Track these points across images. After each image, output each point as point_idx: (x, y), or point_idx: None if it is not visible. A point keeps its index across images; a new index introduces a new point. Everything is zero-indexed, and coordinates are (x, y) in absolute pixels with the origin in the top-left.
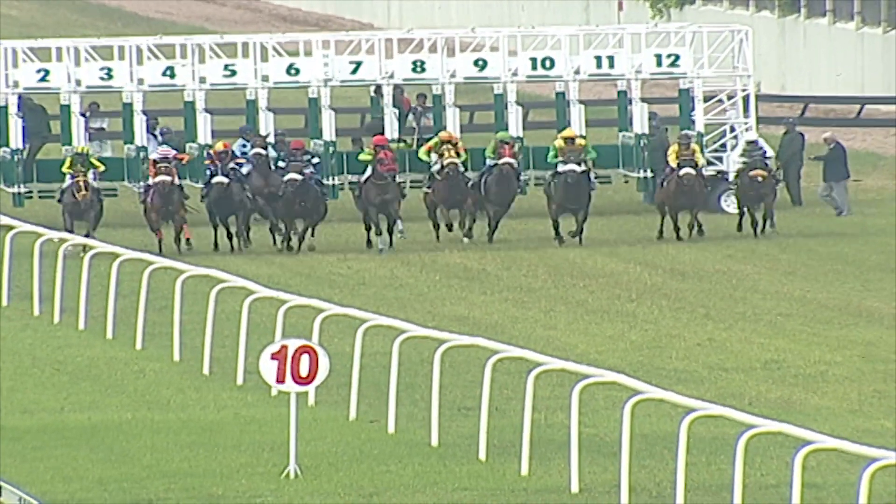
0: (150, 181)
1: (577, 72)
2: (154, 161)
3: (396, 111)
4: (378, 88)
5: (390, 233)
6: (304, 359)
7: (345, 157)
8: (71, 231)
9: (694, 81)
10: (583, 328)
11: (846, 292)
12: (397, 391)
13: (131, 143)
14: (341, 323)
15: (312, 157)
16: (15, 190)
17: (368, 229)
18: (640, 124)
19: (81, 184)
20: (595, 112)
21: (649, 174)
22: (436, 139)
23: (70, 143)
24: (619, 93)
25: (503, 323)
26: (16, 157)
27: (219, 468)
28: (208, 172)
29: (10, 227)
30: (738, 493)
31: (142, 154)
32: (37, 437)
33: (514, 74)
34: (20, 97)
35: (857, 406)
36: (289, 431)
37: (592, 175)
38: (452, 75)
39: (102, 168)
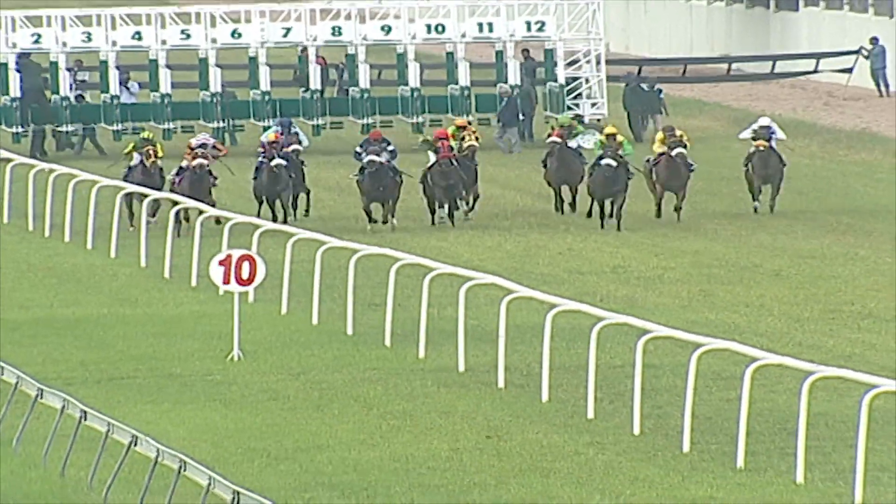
0: (184, 163)
1: (463, 35)
2: (191, 146)
3: (319, 67)
4: (304, 49)
5: (451, 214)
6: (246, 265)
7: (278, 103)
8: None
9: (556, 43)
10: (467, 240)
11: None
12: (320, 290)
13: (106, 92)
14: (275, 236)
15: (389, 144)
16: (14, 130)
17: (433, 211)
18: (514, 77)
19: (150, 151)
20: (477, 68)
21: (521, 117)
22: (453, 127)
23: (58, 92)
24: (496, 52)
25: (403, 237)
26: (14, 104)
27: (177, 353)
28: (260, 160)
29: (10, 160)
30: (591, 372)
31: (115, 101)
32: (31, 328)
33: (413, 38)
34: (18, 56)
35: (686, 302)
36: (233, 323)
37: (631, 168)
38: (364, 38)
39: (161, 155)
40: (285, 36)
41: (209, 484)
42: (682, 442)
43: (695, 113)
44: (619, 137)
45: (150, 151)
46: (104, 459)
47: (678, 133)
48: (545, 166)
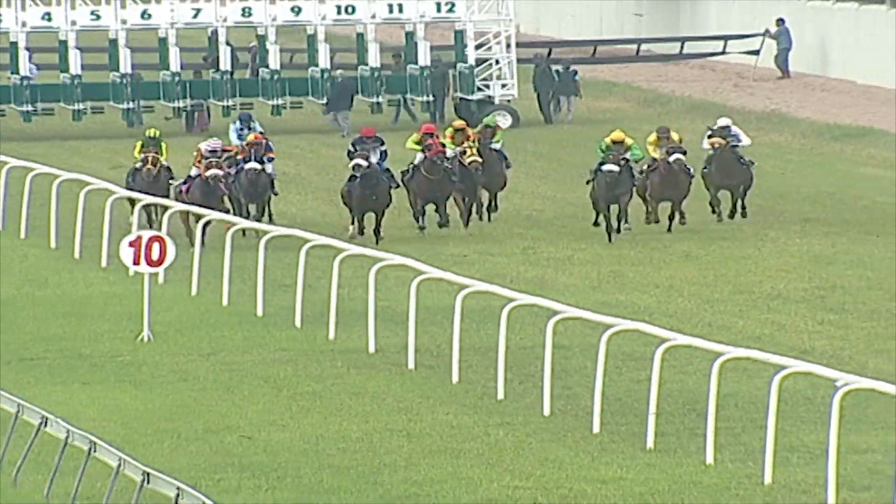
0: (193, 172)
1: (373, 17)
2: (201, 153)
3: (230, 48)
4: (215, 31)
5: (442, 219)
6: (156, 246)
7: (188, 84)
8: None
9: (467, 24)
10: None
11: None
12: (230, 271)
13: (16, 73)
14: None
15: (382, 143)
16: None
17: (417, 216)
18: (424, 59)
19: (150, 158)
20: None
21: (431, 98)
22: (451, 128)
23: (17, 72)
24: (406, 34)
25: (315, 218)
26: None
27: (87, 333)
28: (240, 161)
29: None
30: (501, 353)
31: (25, 82)
32: None
33: (323, 19)
34: None
35: (596, 283)
36: (143, 304)
37: (635, 171)
38: (274, 20)
39: (165, 157)
40: (195, 17)
41: (119, 465)
42: (592, 422)
43: (605, 94)
44: (628, 141)
45: (151, 158)
46: (13, 440)
47: (674, 136)
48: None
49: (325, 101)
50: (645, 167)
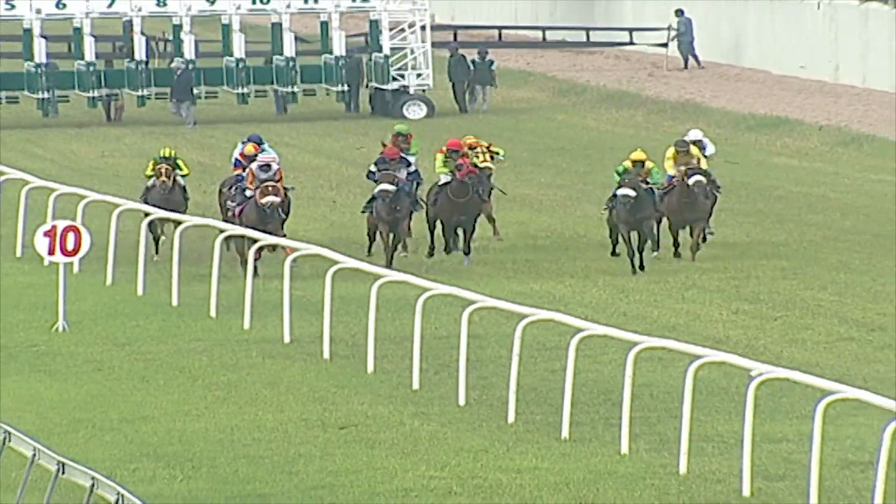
0: (248, 192)
1: (288, 6)
2: (253, 173)
3: (144, 38)
4: (129, 20)
5: (468, 244)
6: (71, 236)
7: (103, 74)
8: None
9: (382, 13)
10: (292, 210)
11: (503, 182)
12: (145, 261)
13: None
14: (100, 207)
15: (409, 164)
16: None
17: (447, 239)
18: (339, 48)
19: (164, 170)
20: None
21: (346, 88)
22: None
23: None
24: (321, 23)
25: None
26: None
27: (1, 323)
28: (240, 178)
29: None
30: (417, 342)
31: None
32: None
33: (238, 8)
34: None
35: (512, 273)
36: (58, 294)
37: (656, 197)
38: (188, 9)
39: (187, 172)
40: (110, 6)
41: (34, 455)
42: (508, 412)
43: (520, 84)
44: (649, 164)
45: (162, 170)
46: None
47: (693, 150)
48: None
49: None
50: (661, 189)
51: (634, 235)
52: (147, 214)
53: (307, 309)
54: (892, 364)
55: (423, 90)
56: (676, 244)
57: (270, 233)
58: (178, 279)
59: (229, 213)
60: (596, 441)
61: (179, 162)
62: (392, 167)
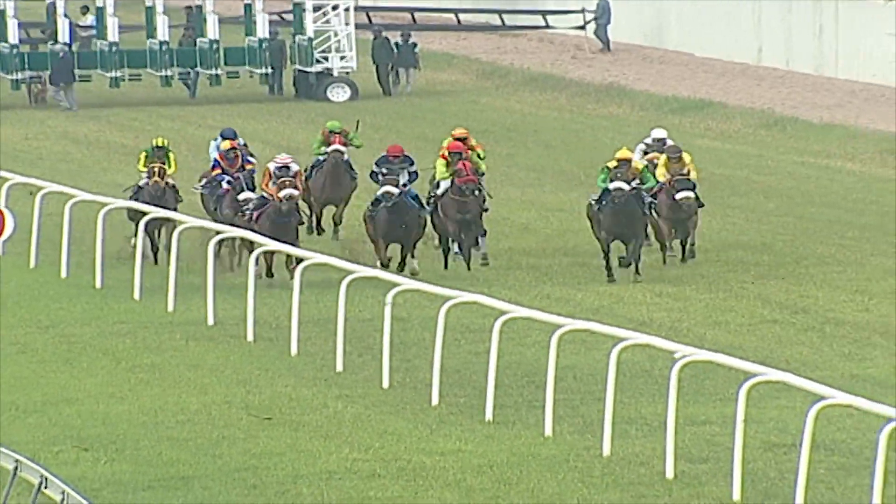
0: (264, 192)
1: None
2: (270, 172)
3: (68, 21)
4: (53, 3)
5: (468, 254)
6: None
7: (26, 56)
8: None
9: None
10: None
11: (427, 164)
12: (69, 244)
13: None
14: (22, 190)
15: (412, 164)
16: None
17: (446, 251)
18: (263, 31)
19: (156, 169)
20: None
21: (269, 70)
22: (450, 139)
23: None
24: (245, 5)
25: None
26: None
27: None
28: (220, 179)
29: None
30: (340, 325)
31: None
32: None
33: None
34: None
35: (435, 255)
36: None
37: (646, 199)
38: None
39: (174, 169)
40: None
41: None
42: (431, 395)
43: (444, 66)
44: (637, 164)
45: (156, 169)
46: None
47: (685, 157)
48: (308, 178)
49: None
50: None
51: (626, 244)
52: (139, 213)
53: (231, 291)
54: (816, 346)
55: (347, 73)
56: (664, 249)
57: (289, 243)
58: (101, 262)
59: (246, 220)
60: (519, 423)
61: (170, 156)
62: (395, 166)
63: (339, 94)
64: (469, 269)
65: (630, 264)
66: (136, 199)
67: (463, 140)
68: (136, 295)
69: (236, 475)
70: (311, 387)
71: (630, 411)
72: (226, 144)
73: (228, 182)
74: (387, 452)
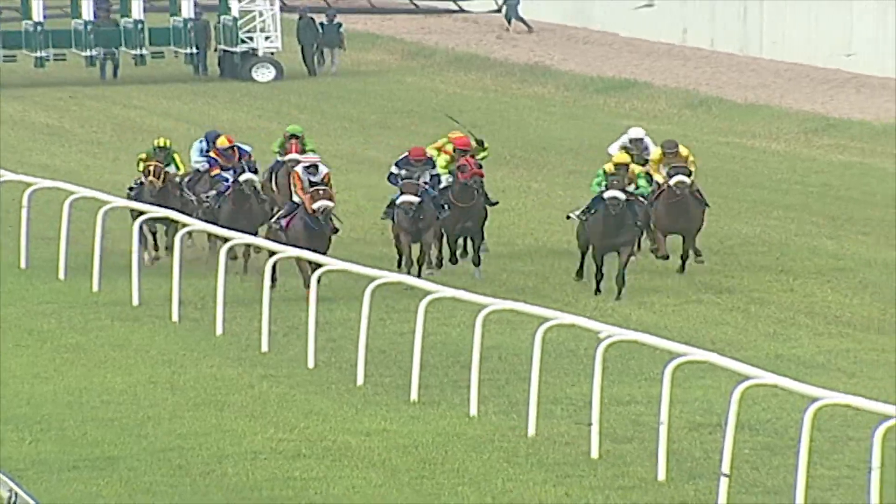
0: (295, 197)
1: None
2: (298, 176)
3: None
4: None
5: (477, 252)
6: None
7: None
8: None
9: None
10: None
11: (352, 144)
12: None
13: None
14: None
15: (433, 166)
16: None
17: (452, 251)
18: (188, 10)
19: (152, 168)
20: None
21: (194, 50)
22: (444, 139)
23: None
24: None
25: (78, 170)
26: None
27: None
28: (220, 178)
29: None
30: (266, 305)
31: None
32: None
33: None
34: None
35: (362, 235)
36: None
37: (640, 210)
38: None
39: (182, 169)
40: None
41: None
42: (357, 375)
43: (369, 46)
44: (634, 168)
45: (153, 169)
46: None
47: (682, 151)
48: (269, 180)
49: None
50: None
51: (616, 257)
52: (138, 213)
53: (156, 271)
54: (740, 327)
55: (272, 53)
56: (662, 249)
57: (321, 253)
58: (26, 241)
59: (275, 230)
60: (445, 403)
61: (175, 156)
62: (417, 169)
63: (263, 74)
64: (478, 265)
65: (620, 280)
66: (136, 200)
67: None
68: (62, 274)
69: (161, 455)
70: (236, 367)
71: (555, 391)
72: (223, 141)
73: (227, 179)
74: (312, 432)
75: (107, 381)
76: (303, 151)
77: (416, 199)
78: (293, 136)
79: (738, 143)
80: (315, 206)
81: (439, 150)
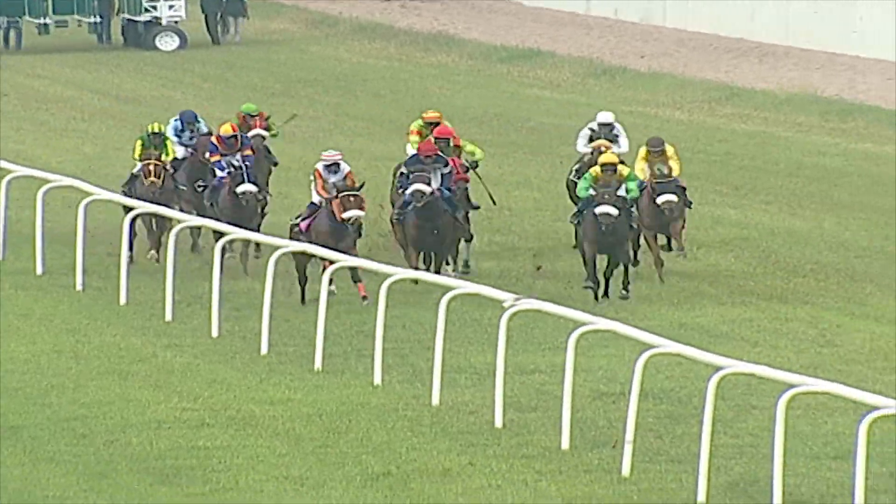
0: (316, 198)
1: None
2: (321, 176)
3: None
4: None
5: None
6: None
7: None
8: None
9: None
10: (44, 142)
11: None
12: None
13: None
14: None
15: (445, 164)
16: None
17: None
18: None
19: (151, 168)
20: None
21: (98, 19)
22: (419, 122)
23: None
24: None
25: (7, 146)
26: None
27: None
28: (219, 173)
29: None
30: (170, 274)
31: None
32: None
33: None
34: None
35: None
36: None
37: (633, 214)
38: None
39: (172, 155)
40: None
41: None
42: (261, 344)
43: (273, 15)
44: (623, 170)
45: (153, 168)
46: None
47: (668, 149)
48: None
49: None
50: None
51: (605, 259)
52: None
53: (60, 241)
54: (644, 295)
55: (176, 21)
56: (655, 250)
57: (343, 251)
58: None
59: (300, 232)
60: (349, 373)
61: (167, 143)
62: (428, 166)
63: (167, 43)
64: (468, 270)
65: (627, 292)
66: (129, 193)
67: (437, 126)
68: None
69: (65, 424)
70: (140, 336)
71: (459, 360)
72: (227, 129)
73: (229, 172)
74: (216, 402)
75: (11, 351)
76: (267, 128)
77: (427, 188)
78: (249, 114)
79: (642, 111)
80: (346, 215)
81: (420, 135)
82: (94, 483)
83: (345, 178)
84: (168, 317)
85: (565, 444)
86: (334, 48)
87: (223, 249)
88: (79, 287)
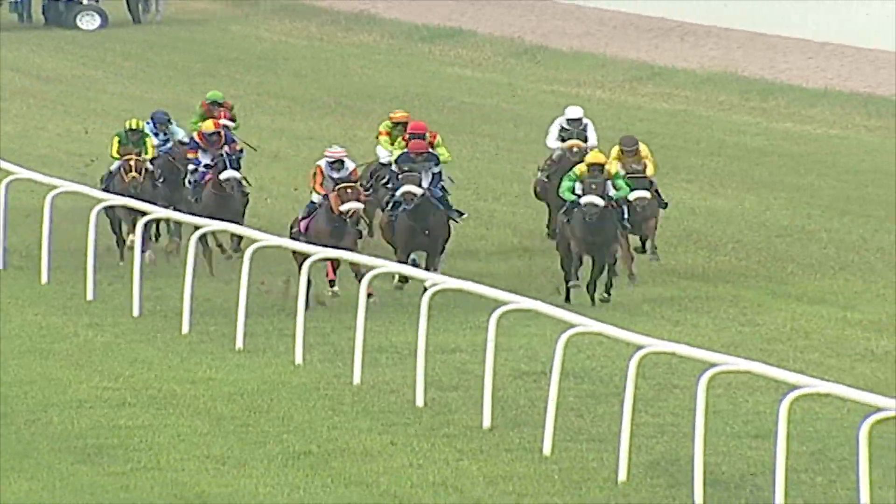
0: (315, 197)
1: None
2: (321, 171)
3: None
4: None
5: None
6: None
7: None
8: (118, 233)
9: None
10: None
11: (177, 93)
12: None
13: None
14: None
15: (436, 162)
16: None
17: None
18: None
19: (132, 164)
20: None
21: None
22: (387, 122)
23: None
24: None
25: None
26: None
27: None
28: (199, 169)
29: None
30: (91, 254)
31: None
32: None
33: None
34: None
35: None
36: None
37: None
38: None
39: (151, 154)
40: None
41: None
42: (182, 323)
43: None
44: (610, 168)
45: (134, 164)
46: None
47: (643, 149)
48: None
49: None
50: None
51: (590, 260)
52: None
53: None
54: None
55: (97, 1)
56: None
57: (347, 249)
58: None
59: (299, 232)
60: (270, 352)
61: (147, 140)
62: (418, 165)
63: (88, 22)
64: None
65: (609, 296)
66: (109, 189)
67: (405, 125)
68: None
69: None
70: (61, 315)
71: (380, 339)
72: (209, 125)
73: (206, 166)
74: (137, 381)
75: None
76: (233, 119)
77: (417, 190)
78: (215, 102)
79: (564, 91)
80: (343, 207)
81: (389, 136)
82: (16, 462)
83: (349, 175)
84: (90, 296)
85: (486, 423)
86: (255, 27)
87: (203, 243)
88: (0, 267)
